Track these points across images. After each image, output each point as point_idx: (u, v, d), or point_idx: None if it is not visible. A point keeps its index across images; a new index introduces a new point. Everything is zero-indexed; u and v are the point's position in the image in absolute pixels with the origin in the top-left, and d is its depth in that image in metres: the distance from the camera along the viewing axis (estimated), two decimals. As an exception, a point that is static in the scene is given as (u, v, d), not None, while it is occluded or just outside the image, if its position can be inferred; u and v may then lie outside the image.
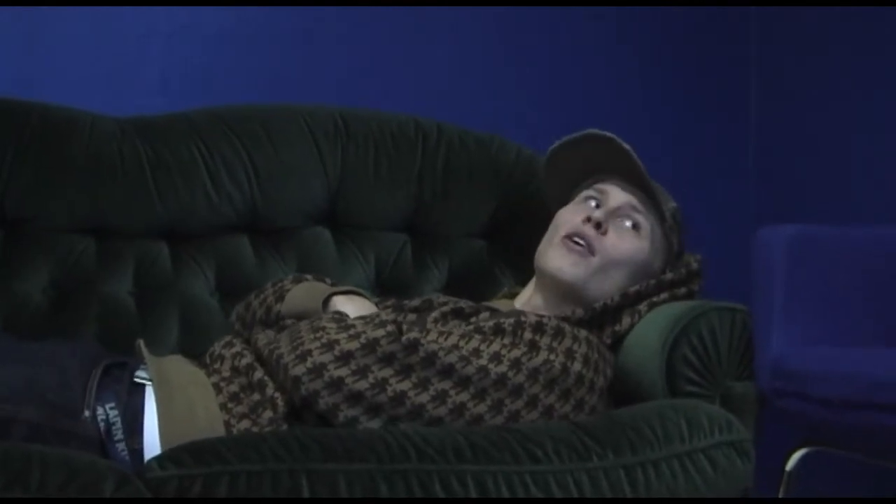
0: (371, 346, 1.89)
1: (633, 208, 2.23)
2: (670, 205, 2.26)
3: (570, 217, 2.24)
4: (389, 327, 1.93)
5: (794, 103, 3.09)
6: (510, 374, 1.93)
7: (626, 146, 2.24)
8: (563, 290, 2.19)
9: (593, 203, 2.25)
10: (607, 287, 2.19)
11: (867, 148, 2.87)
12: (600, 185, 2.27)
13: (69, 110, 2.39)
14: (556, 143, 2.34)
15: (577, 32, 3.00)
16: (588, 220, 2.20)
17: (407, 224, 2.58)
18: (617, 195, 2.24)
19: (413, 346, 1.90)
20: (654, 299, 2.20)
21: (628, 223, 2.22)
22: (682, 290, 2.24)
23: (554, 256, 2.21)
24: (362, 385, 1.87)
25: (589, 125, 2.91)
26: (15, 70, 2.53)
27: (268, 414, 1.89)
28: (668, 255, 2.26)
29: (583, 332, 2.07)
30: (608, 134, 2.26)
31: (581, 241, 2.19)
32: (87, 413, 1.80)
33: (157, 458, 1.64)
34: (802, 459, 2.17)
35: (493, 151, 2.60)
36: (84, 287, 2.35)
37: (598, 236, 2.19)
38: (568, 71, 3.01)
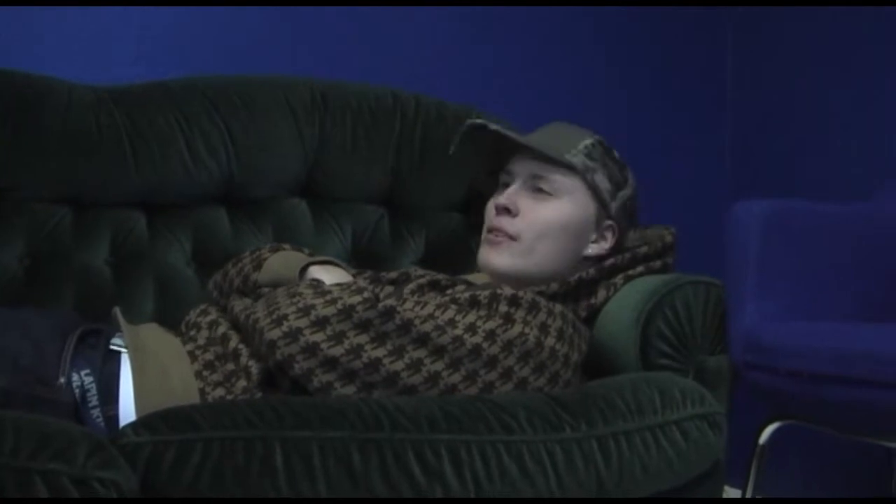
0: (347, 311, 1.89)
1: (534, 176, 2.23)
2: (582, 145, 2.24)
3: (488, 211, 2.27)
4: (366, 294, 1.93)
5: (769, 80, 3.10)
6: (485, 345, 1.94)
7: (483, 123, 2.24)
8: (509, 279, 2.19)
9: (504, 188, 2.27)
10: (549, 257, 2.21)
11: (840, 124, 2.88)
12: (509, 166, 2.28)
13: (46, 79, 2.38)
14: (451, 147, 2.34)
15: (554, 7, 3.01)
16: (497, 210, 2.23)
17: (384, 196, 2.59)
18: (519, 170, 2.25)
19: (389, 313, 1.91)
20: (630, 272, 2.21)
21: (536, 191, 2.23)
22: (658, 262, 2.25)
23: (483, 254, 2.25)
24: (338, 351, 1.87)
25: (566, 97, 2.93)
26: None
27: (241, 383, 1.89)
28: (599, 195, 2.24)
29: (558, 307, 2.08)
30: (476, 121, 2.26)
31: (500, 233, 2.21)
32: (61, 380, 1.80)
33: (131, 425, 1.64)
34: (775, 433, 2.20)
35: (469, 124, 2.60)
36: (60, 256, 2.34)
37: (510, 221, 2.21)
38: (545, 44, 3.02)
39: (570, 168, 2.22)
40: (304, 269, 2.12)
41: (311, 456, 1.64)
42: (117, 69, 2.53)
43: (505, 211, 2.21)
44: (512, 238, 2.20)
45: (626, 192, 2.27)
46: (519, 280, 2.17)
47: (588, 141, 2.26)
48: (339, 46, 2.77)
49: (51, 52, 2.51)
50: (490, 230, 2.23)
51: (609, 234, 2.26)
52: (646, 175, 2.36)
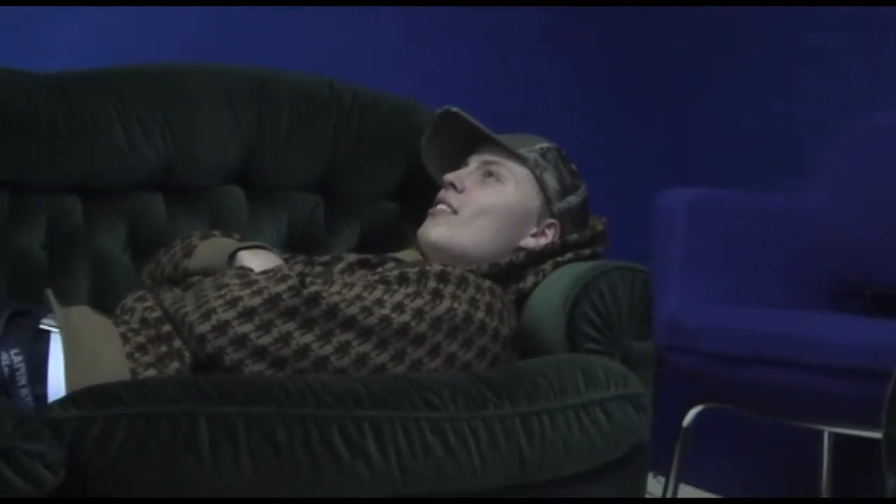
0: (273, 301, 1.91)
1: (486, 162, 2.33)
2: (538, 146, 2.33)
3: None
4: (291, 281, 1.95)
5: (699, 75, 3.14)
6: (413, 323, 1.97)
7: (456, 110, 2.34)
8: (442, 256, 2.25)
9: None
10: (484, 237, 2.28)
11: (759, 119, 2.94)
12: (469, 158, 2.37)
13: (-18, 64, 2.39)
14: (424, 137, 2.45)
15: (492, 7, 3.06)
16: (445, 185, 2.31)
17: (320, 185, 2.60)
18: (474, 158, 2.35)
19: (314, 299, 1.93)
20: (559, 259, 2.25)
21: (484, 175, 2.31)
22: (587, 251, 2.30)
23: (422, 227, 2.31)
24: (266, 340, 1.89)
25: (500, 90, 2.96)
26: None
27: (174, 365, 1.90)
28: (546, 192, 2.32)
29: (486, 282, 2.12)
30: (452, 109, 2.36)
31: (443, 205, 2.29)
32: (-10, 359, 1.81)
33: (59, 400, 1.66)
34: (699, 416, 2.23)
35: (406, 115, 2.64)
36: (-4, 240, 2.34)
37: (455, 195, 2.29)
38: (480, 38, 3.05)
39: (522, 161, 2.29)
40: (233, 255, 2.13)
41: (236, 431, 1.65)
42: (56, 58, 2.53)
43: (452, 187, 2.29)
44: (453, 211, 2.27)
45: (573, 199, 2.33)
46: (451, 255, 2.23)
47: (545, 144, 2.35)
48: (277, 36, 2.79)
49: (-11, 38, 2.52)
50: (435, 203, 2.31)
51: (550, 233, 2.31)
52: (580, 167, 2.40)
